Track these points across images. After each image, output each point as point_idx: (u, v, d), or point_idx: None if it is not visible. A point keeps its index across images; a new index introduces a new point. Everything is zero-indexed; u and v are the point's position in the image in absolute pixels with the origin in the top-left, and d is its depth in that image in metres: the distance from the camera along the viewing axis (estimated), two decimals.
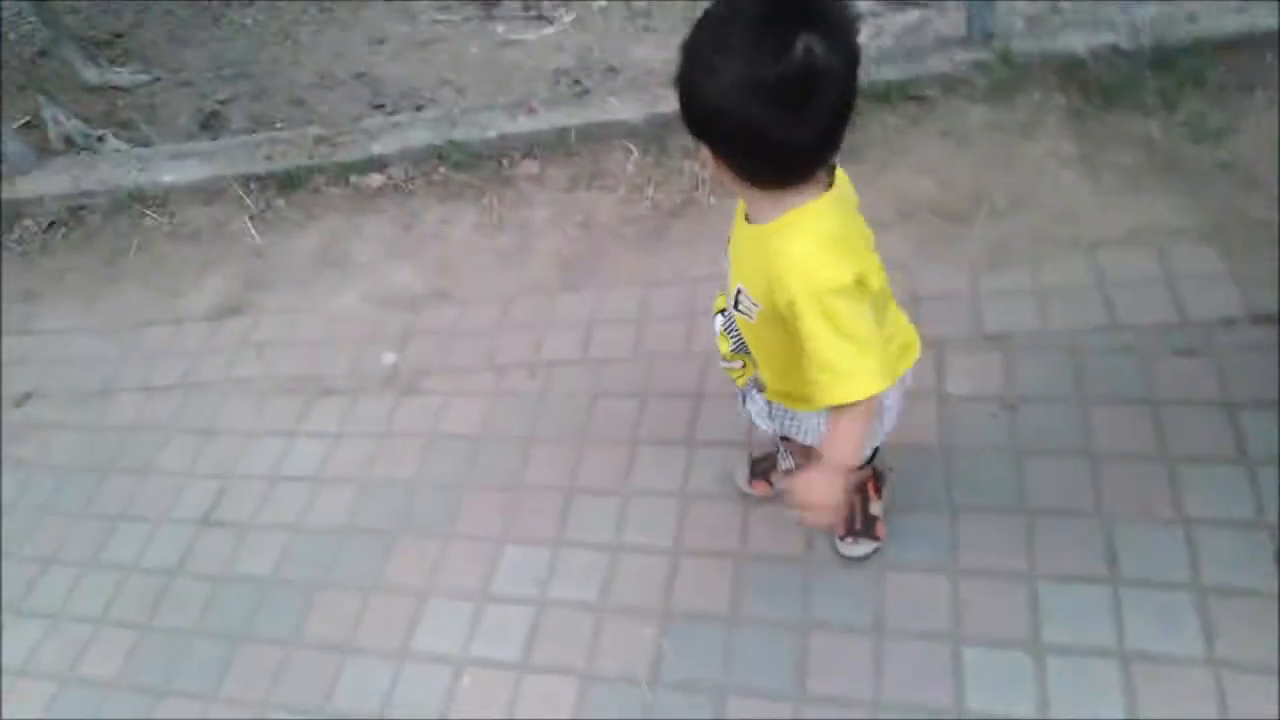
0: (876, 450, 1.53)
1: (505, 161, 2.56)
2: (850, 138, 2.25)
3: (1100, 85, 2.15)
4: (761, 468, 1.71)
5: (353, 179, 2.68)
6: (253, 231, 2.67)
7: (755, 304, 1.15)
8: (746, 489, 1.71)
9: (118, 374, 2.40)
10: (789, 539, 1.62)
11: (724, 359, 1.38)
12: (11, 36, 3.92)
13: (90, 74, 3.61)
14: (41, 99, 3.31)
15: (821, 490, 1.17)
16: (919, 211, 2.10)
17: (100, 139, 3.26)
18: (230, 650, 1.74)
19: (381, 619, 1.72)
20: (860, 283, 1.05)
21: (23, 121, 3.37)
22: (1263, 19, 2.12)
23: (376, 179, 2.66)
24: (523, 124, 2.58)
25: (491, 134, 2.58)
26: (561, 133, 2.52)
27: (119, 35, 3.93)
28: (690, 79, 0.98)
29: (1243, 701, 1.30)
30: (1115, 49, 2.16)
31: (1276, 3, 2.09)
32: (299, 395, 2.20)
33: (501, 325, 2.18)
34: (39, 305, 2.71)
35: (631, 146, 2.46)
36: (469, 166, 2.58)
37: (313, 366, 2.25)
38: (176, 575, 1.91)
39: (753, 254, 1.12)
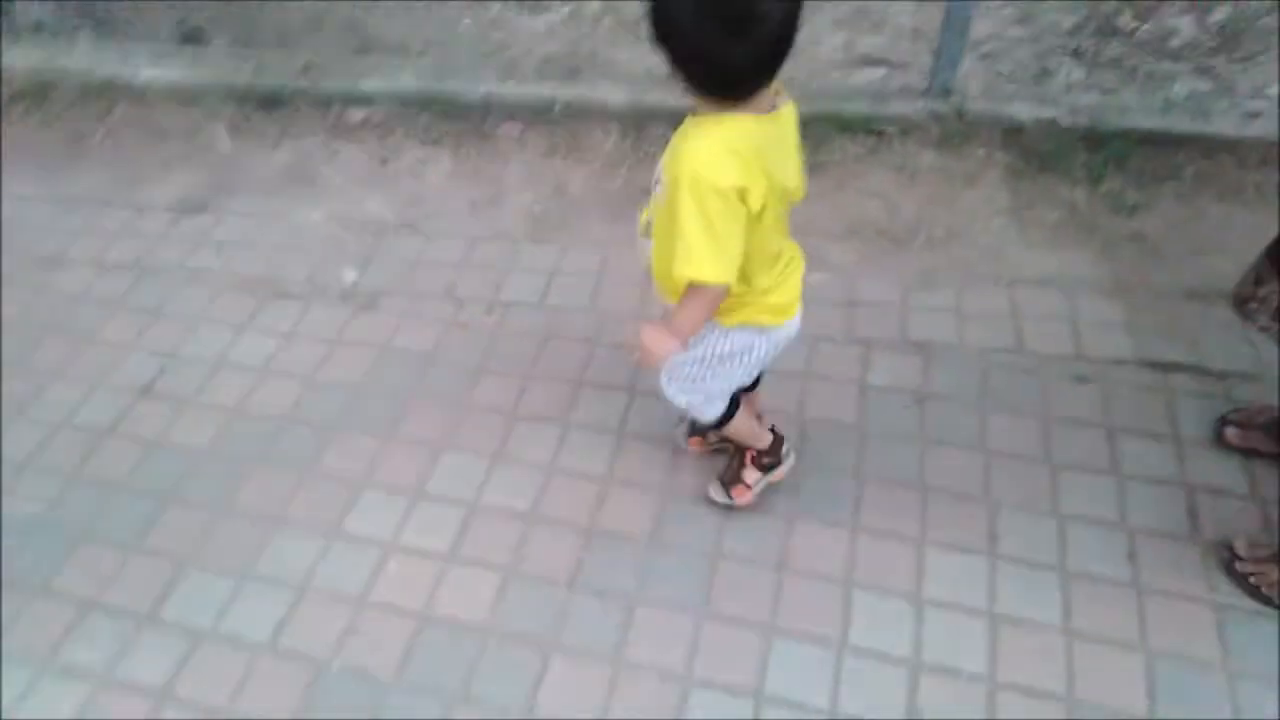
0: (735, 410, 1.61)
1: (489, 119, 2.67)
2: (815, 157, 2.46)
3: (1037, 151, 2.42)
4: (699, 426, 1.84)
5: (335, 109, 2.75)
6: (225, 138, 2.70)
7: (659, 181, 1.31)
8: (684, 446, 1.84)
9: (71, 246, 2.39)
10: (713, 484, 1.76)
11: (640, 235, 1.48)
12: None
13: None
14: None
15: (653, 341, 1.35)
16: (866, 230, 2.31)
17: (72, 29, 3.24)
18: (158, 508, 1.77)
19: (314, 499, 1.77)
20: (740, 196, 1.20)
21: None
22: (1180, 123, 2.43)
23: (359, 113, 2.74)
24: (510, 88, 2.70)
25: (479, 91, 2.69)
26: (547, 103, 2.65)
27: None
28: (655, 11, 1.15)
29: (1090, 668, 1.49)
30: (1054, 123, 2.44)
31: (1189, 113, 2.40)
32: (254, 295, 2.24)
33: (465, 262, 2.28)
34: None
35: (613, 128, 2.61)
36: (452, 118, 2.68)
37: (271, 270, 2.29)
38: (109, 435, 1.92)
39: (676, 141, 1.28)
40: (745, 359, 1.48)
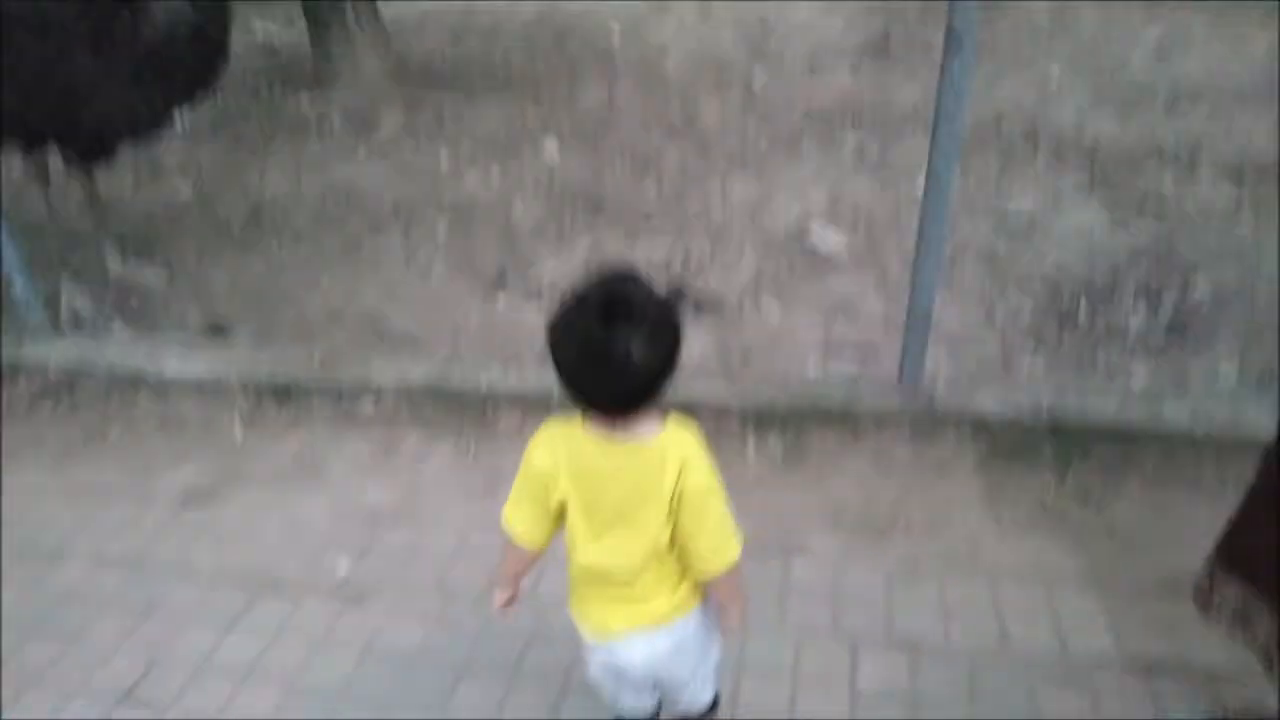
0: None
1: (490, 409, 2.84)
2: (796, 445, 2.57)
3: (1006, 443, 2.55)
4: None
5: (344, 400, 2.92)
6: (238, 428, 2.85)
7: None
8: None
9: (74, 539, 2.46)
10: None
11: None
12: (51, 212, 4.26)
13: (115, 265, 3.91)
14: (64, 276, 3.58)
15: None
16: (847, 519, 2.38)
17: (109, 323, 3.51)
18: None
19: None
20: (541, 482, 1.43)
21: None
22: (1139, 415, 2.57)
23: (368, 404, 2.91)
24: (512, 379, 2.89)
25: (482, 382, 2.87)
26: (546, 394, 2.82)
27: (153, 237, 4.31)
28: (549, 336, 1.32)
29: None
30: (1019, 416, 2.58)
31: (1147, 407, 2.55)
32: (246, 590, 2.27)
33: (458, 553, 2.34)
34: (11, 462, 2.80)
35: None
36: (456, 408, 2.85)
37: (266, 564, 2.35)
38: None
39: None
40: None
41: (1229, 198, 4.03)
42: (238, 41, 3.63)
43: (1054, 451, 2.51)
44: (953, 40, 2.23)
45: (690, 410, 2.67)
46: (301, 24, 6.49)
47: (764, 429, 2.69)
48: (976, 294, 3.50)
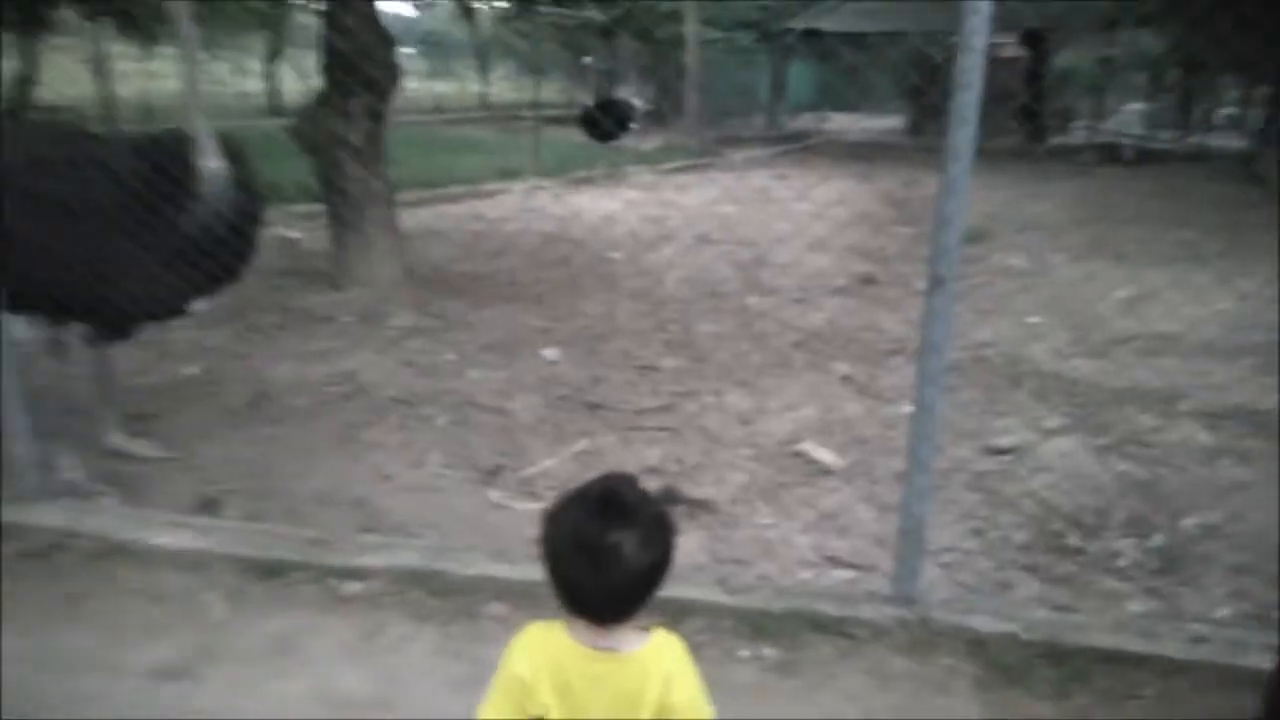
0: None
1: (477, 598, 2.79)
2: (790, 654, 2.53)
3: (1002, 664, 2.52)
4: None
5: (330, 581, 2.87)
6: (220, 605, 2.78)
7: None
8: None
9: (43, 710, 2.33)
10: None
11: None
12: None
13: (114, 439, 3.94)
14: (61, 446, 3.60)
15: None
16: None
17: (98, 494, 3.49)
18: None
19: None
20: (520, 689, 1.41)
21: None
22: (1134, 643, 2.56)
23: (354, 586, 2.86)
24: (500, 569, 2.86)
25: (471, 571, 2.84)
26: (535, 585, 2.78)
27: (153, 414, 4.36)
28: (544, 526, 1.40)
29: None
30: (1014, 637, 2.57)
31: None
32: None
33: None
34: None
35: None
36: (442, 595, 2.80)
37: None
38: None
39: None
40: None
41: (1209, 440, 4.20)
42: (263, 236, 3.88)
43: (1052, 677, 2.47)
44: (935, 282, 2.43)
45: (682, 613, 2.68)
46: (324, 226, 6.91)
47: (758, 636, 2.65)
48: (968, 514, 3.56)
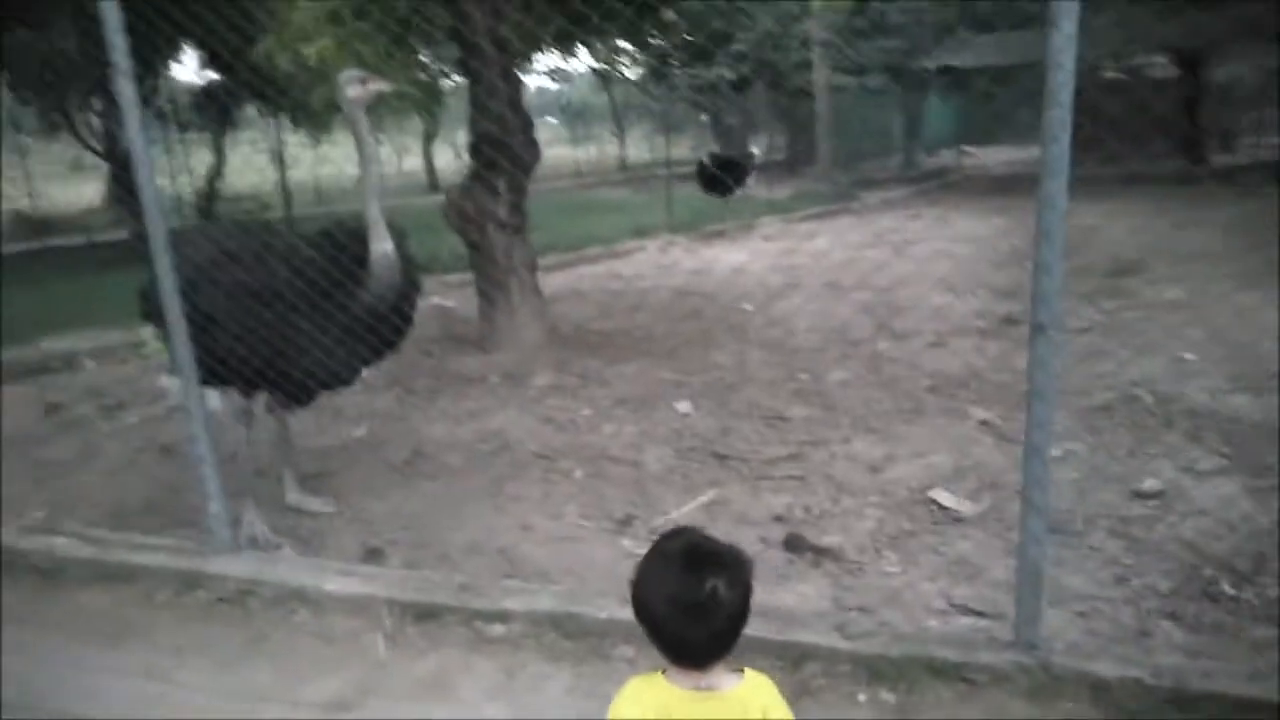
0: None
1: (608, 640, 2.99)
2: (909, 698, 2.57)
3: (1126, 709, 2.48)
4: None
5: (478, 623, 3.15)
6: (382, 646, 3.10)
7: None
8: None
9: None
10: None
11: None
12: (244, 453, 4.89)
13: (292, 497, 4.42)
14: (246, 504, 4.07)
15: None
16: None
17: (278, 547, 3.93)
18: None
19: None
20: None
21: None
22: (1271, 691, 2.46)
23: (498, 628, 3.12)
24: (630, 613, 3.04)
25: (603, 615, 3.05)
26: None
27: (325, 473, 4.85)
28: (635, 594, 1.56)
29: None
30: (1139, 682, 2.52)
31: None
32: None
33: None
34: (182, 658, 3.13)
35: None
36: (577, 636, 3.01)
37: None
38: None
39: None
40: None
41: None
42: (420, 306, 4.30)
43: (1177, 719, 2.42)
44: (1037, 329, 2.48)
45: (802, 658, 2.78)
46: (474, 294, 7.44)
47: (875, 680, 2.72)
48: (1110, 561, 3.47)
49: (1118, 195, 12.93)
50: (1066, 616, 3.09)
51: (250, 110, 18.51)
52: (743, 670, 1.61)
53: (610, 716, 1.60)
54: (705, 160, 15.23)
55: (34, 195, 17.99)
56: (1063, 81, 2.30)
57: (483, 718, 2.73)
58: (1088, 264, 9.03)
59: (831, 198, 17.32)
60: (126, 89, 3.28)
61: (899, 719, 2.59)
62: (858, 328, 7.48)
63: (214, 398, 3.95)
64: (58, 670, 3.19)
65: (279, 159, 17.11)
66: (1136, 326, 6.80)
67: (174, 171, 16.66)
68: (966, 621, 3.08)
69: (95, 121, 16.04)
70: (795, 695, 2.71)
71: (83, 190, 21.63)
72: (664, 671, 1.59)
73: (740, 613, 1.54)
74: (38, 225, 17.52)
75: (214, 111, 16.72)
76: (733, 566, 1.54)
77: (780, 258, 10.11)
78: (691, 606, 1.50)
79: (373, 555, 3.88)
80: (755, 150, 16.42)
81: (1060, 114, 2.33)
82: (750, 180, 14.69)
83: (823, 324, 7.65)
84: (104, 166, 21.53)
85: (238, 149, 19.94)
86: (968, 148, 25.40)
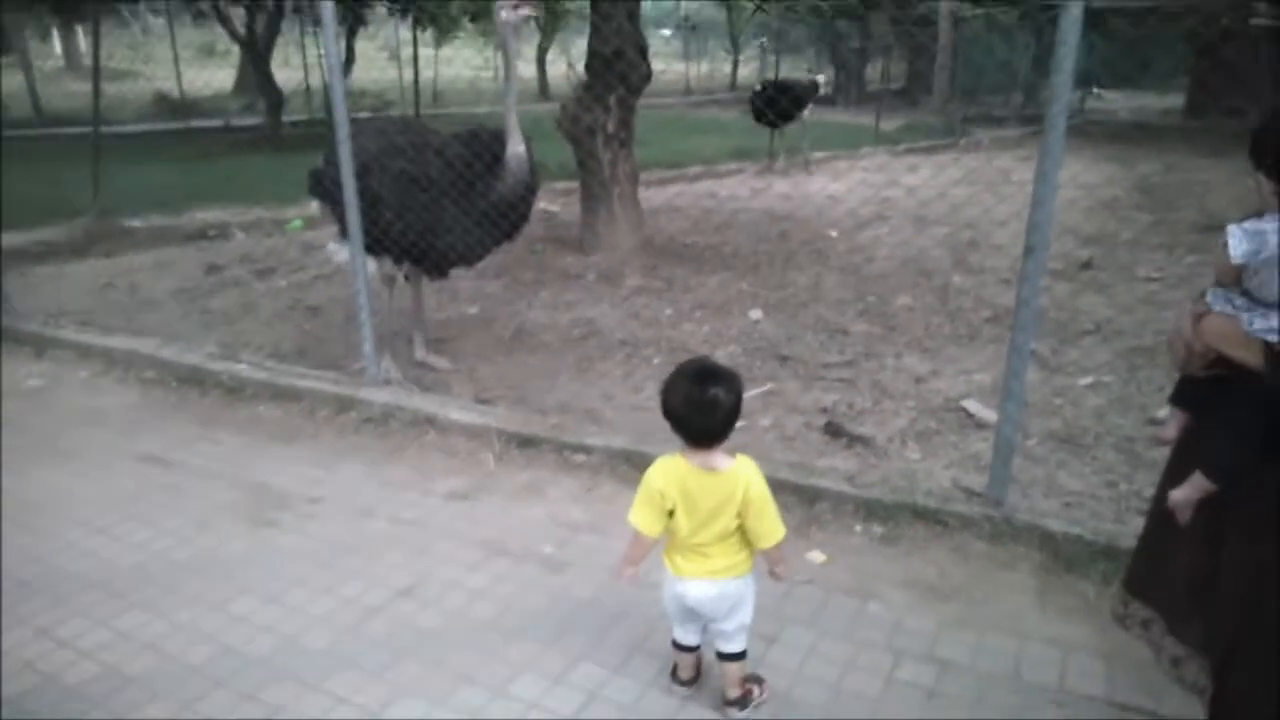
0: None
1: None
2: (894, 531, 3.26)
3: (1064, 555, 3.15)
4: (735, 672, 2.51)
5: (566, 453, 4.00)
6: (491, 461, 4.00)
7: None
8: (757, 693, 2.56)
9: (376, 510, 3.65)
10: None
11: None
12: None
13: (420, 353, 5.33)
14: (385, 354, 4.97)
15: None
16: (920, 585, 3.09)
17: (410, 391, 4.85)
18: None
19: None
20: (658, 495, 2.28)
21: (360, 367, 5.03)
22: None
23: (581, 457, 3.97)
24: None
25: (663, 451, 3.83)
26: None
27: (446, 339, 5.75)
28: (664, 396, 2.26)
29: None
30: (1080, 538, 3.18)
31: None
32: (486, 550, 3.30)
33: None
34: (340, 456, 4.11)
35: None
36: (642, 466, 3.77)
37: (500, 535, 3.38)
38: None
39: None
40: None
41: None
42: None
43: (1105, 567, 3.07)
44: (1027, 250, 3.07)
45: (815, 497, 3.50)
46: (578, 202, 8.18)
47: (870, 518, 3.45)
48: (1106, 469, 3.95)
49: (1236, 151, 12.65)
50: (1054, 505, 3.69)
51: (380, 10, 19.30)
52: (735, 455, 2.32)
53: (644, 479, 2.34)
54: (758, 88, 13.31)
55: (178, 78, 19.16)
56: (1066, 53, 2.85)
57: (566, 515, 3.59)
58: (1181, 218, 9.16)
59: (942, 132, 17.20)
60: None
61: (884, 544, 3.32)
62: (935, 260, 7.86)
63: (370, 264, 4.80)
64: (246, 457, 4.19)
65: (411, 60, 17.89)
66: (1206, 281, 7.05)
67: (306, 65, 17.71)
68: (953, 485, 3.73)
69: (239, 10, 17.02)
70: (806, 523, 3.47)
71: (214, 75, 22.70)
72: (682, 452, 2.30)
73: (733, 411, 2.22)
74: (177, 106, 18.70)
75: (346, 10, 17.60)
76: (728, 380, 2.24)
77: (876, 190, 10.44)
78: (699, 404, 2.19)
79: (483, 404, 4.75)
80: (820, 78, 14.52)
81: (1063, 79, 2.88)
82: (807, 112, 12.83)
83: (902, 254, 8.06)
84: (234, 53, 22.66)
85: (360, 46, 20.81)
86: (1098, 90, 24.38)
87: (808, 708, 2.54)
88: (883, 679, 2.63)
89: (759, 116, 12.59)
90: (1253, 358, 1.80)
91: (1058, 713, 2.48)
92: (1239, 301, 1.82)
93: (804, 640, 2.82)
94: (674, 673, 2.60)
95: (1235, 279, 1.84)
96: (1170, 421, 2.14)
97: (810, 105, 12.93)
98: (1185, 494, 2.02)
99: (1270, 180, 1.73)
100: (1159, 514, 2.12)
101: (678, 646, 2.53)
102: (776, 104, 11.65)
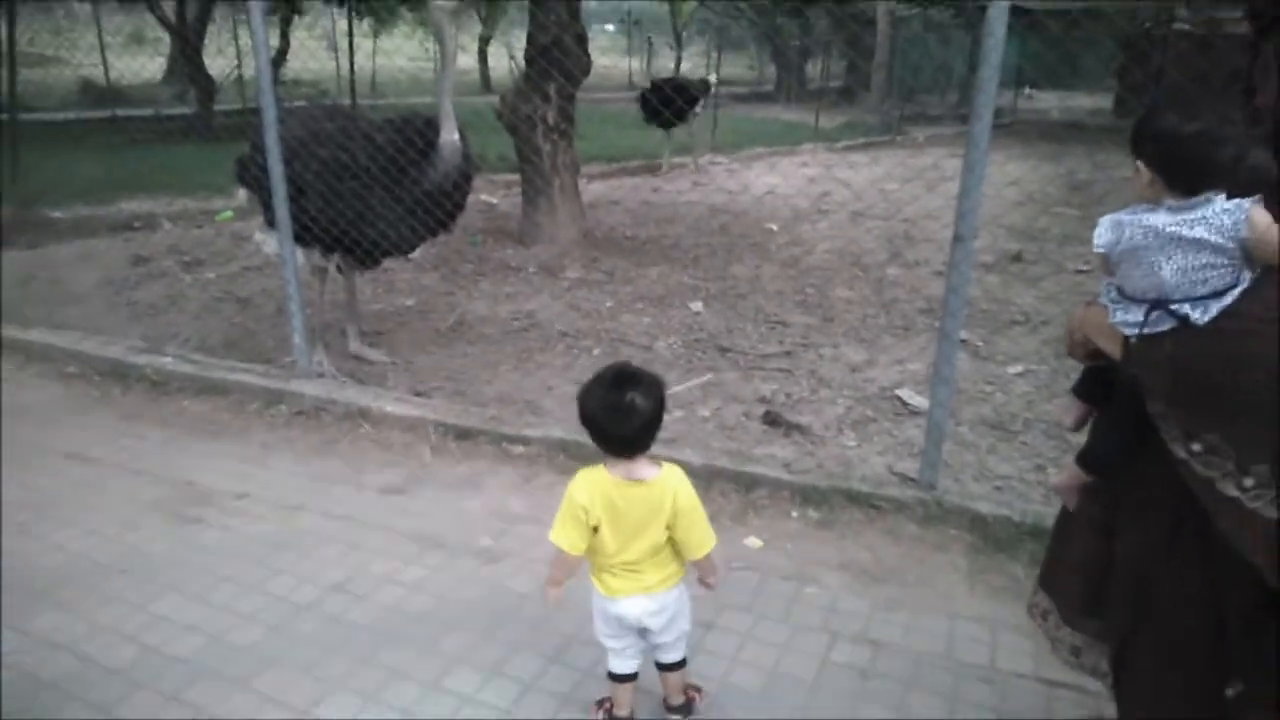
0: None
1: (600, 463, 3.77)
2: (829, 516, 3.31)
3: (994, 537, 3.22)
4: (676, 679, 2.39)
5: (504, 444, 3.96)
6: (428, 453, 3.93)
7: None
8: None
9: (304, 505, 3.56)
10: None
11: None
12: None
13: (354, 346, 5.23)
14: (318, 347, 4.87)
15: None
16: (855, 567, 3.12)
17: (344, 383, 4.75)
18: None
19: None
20: (581, 511, 2.08)
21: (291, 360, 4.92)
22: None
23: (519, 449, 3.93)
24: None
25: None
26: None
27: (381, 331, 5.67)
28: (580, 403, 2.07)
29: None
30: (1009, 519, 3.25)
31: None
32: (419, 544, 3.25)
33: None
34: (268, 451, 4.01)
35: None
36: (580, 458, 3.79)
37: (436, 528, 3.32)
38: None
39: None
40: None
41: None
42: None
43: (1033, 547, 3.14)
44: (956, 238, 3.13)
45: (753, 484, 3.52)
46: (518, 194, 8.12)
47: (806, 503, 3.48)
48: (1038, 455, 4.06)
49: None
50: (985, 489, 3.78)
51: None
52: (661, 464, 2.15)
53: (567, 494, 2.13)
54: (650, 86, 12.26)
55: (104, 66, 18.50)
56: (993, 46, 2.90)
57: (505, 506, 3.55)
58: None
59: (879, 130, 17.52)
60: None
61: (820, 528, 3.35)
62: (872, 254, 8.00)
63: (299, 255, 4.69)
64: (171, 452, 4.06)
65: (345, 48, 17.54)
66: None
67: (239, 53, 17.23)
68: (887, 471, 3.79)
69: None
70: (743, 510, 3.49)
71: (146, 63, 22.00)
72: (605, 464, 2.12)
73: (654, 418, 2.01)
74: (104, 94, 18.04)
75: None
76: (648, 384, 2.03)
77: (816, 185, 10.56)
78: (616, 410, 1.99)
79: (419, 397, 4.68)
80: (712, 78, 13.89)
81: (989, 72, 2.94)
82: (697, 110, 12.14)
83: (840, 248, 8.19)
84: (164, 41, 21.91)
85: (297, 35, 20.32)
86: (1030, 90, 25.03)
87: (744, 693, 2.54)
88: (818, 661, 2.65)
89: (651, 117, 11.98)
90: (1115, 350, 1.83)
91: (989, 690, 2.53)
92: (1114, 294, 1.84)
93: (741, 624, 2.83)
94: (610, 712, 2.40)
95: (1110, 270, 1.86)
96: (1072, 409, 2.16)
97: (701, 104, 12.34)
98: (1062, 480, 2.06)
99: (1149, 169, 1.75)
100: (1062, 508, 2.17)
101: (616, 678, 2.34)
102: (671, 103, 10.85)
